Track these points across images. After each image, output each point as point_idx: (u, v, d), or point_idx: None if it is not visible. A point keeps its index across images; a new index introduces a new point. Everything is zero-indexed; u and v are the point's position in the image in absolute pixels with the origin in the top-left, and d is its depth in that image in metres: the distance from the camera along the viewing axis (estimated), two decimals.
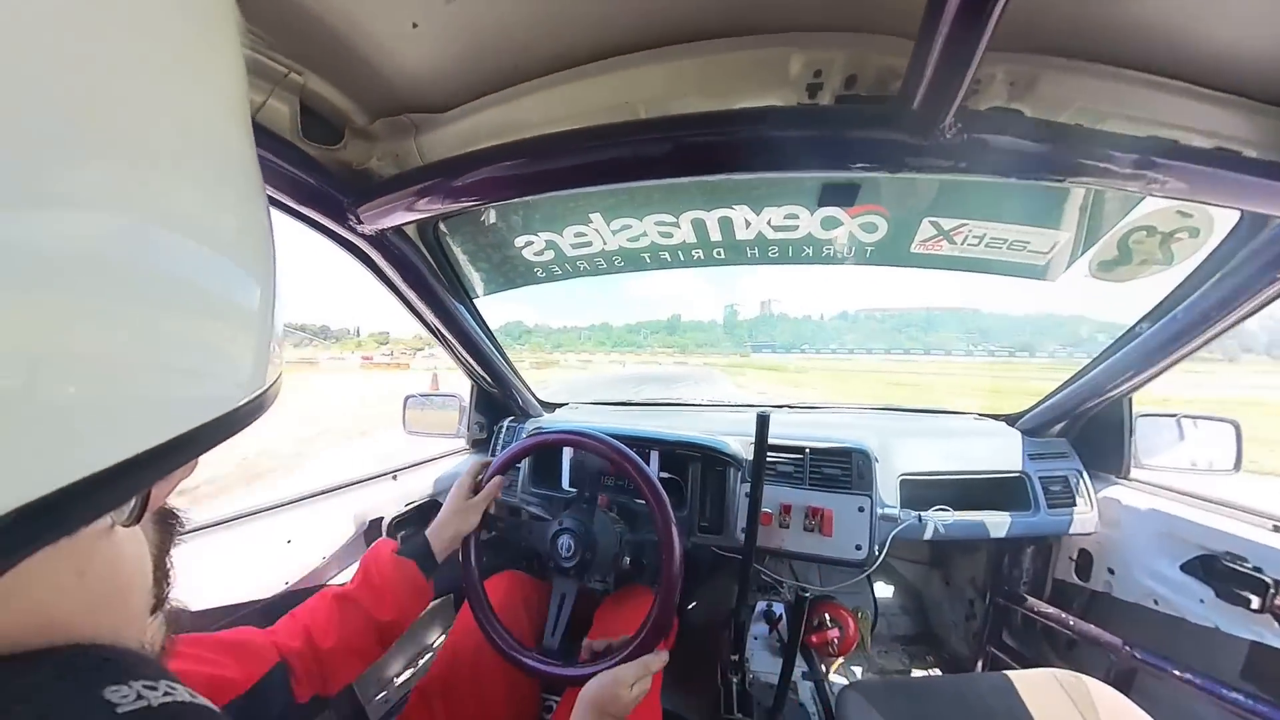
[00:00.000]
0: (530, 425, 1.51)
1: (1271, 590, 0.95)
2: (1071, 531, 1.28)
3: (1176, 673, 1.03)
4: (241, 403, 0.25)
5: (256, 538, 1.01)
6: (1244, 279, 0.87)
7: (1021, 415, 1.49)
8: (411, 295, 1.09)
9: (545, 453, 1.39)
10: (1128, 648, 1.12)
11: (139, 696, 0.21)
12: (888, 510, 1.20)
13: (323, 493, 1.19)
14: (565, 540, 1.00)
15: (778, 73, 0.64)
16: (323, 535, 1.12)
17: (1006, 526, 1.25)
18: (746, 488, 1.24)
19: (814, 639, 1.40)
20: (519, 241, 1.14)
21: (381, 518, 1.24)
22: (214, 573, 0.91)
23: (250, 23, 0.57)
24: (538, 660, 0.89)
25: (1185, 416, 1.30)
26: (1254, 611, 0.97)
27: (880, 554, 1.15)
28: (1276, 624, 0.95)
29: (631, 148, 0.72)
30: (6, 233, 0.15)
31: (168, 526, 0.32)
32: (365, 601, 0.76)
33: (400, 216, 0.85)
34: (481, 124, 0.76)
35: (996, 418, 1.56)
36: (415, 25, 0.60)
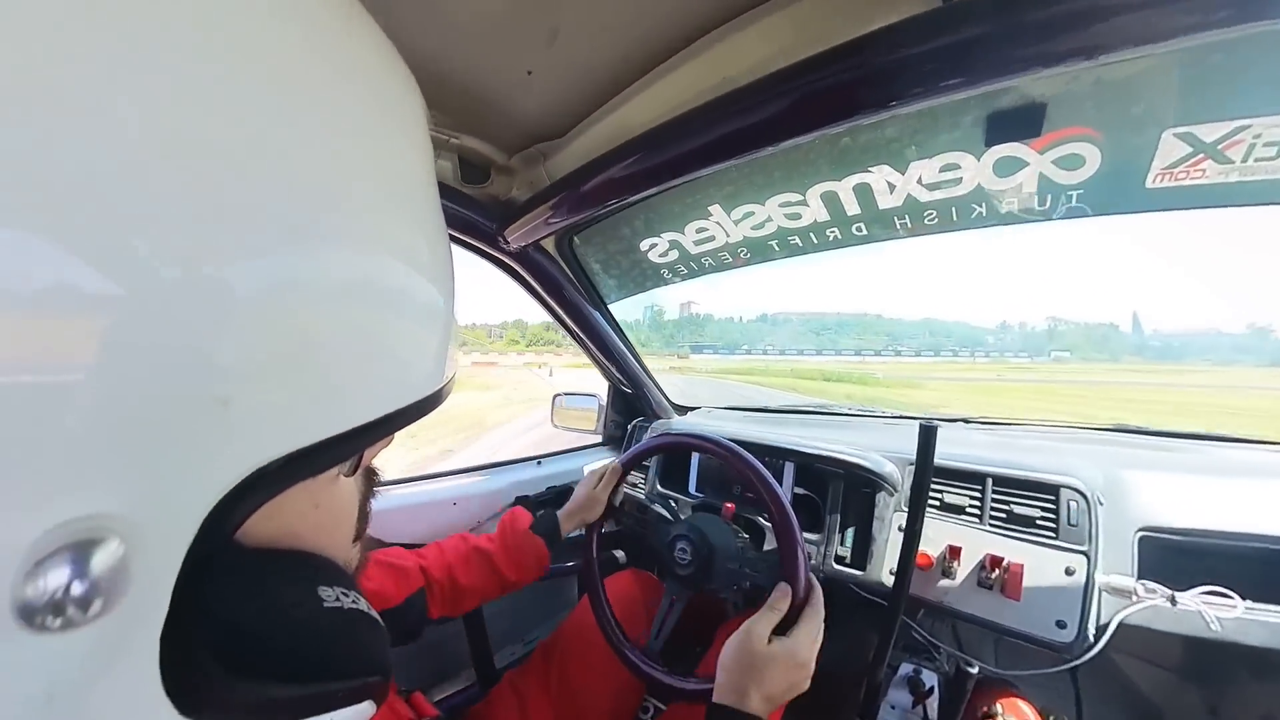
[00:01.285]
0: (659, 426, 1.52)
1: None
2: None
3: None
4: (432, 390, 0.34)
5: (433, 494, 1.25)
6: None
7: None
8: (555, 305, 1.22)
9: (674, 455, 1.38)
10: None
11: (337, 599, 0.29)
12: (1116, 580, 0.86)
13: (483, 468, 1.40)
14: (682, 546, 0.96)
15: None
16: (479, 503, 1.31)
17: None
18: (901, 518, 1.03)
19: None
20: (644, 245, 1.15)
21: (527, 495, 1.39)
22: (402, 516, 1.17)
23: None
24: (637, 656, 0.88)
25: None
26: None
27: (1098, 642, 0.83)
28: None
29: (741, 116, 0.65)
30: (303, 263, 0.24)
31: (370, 481, 0.40)
32: (498, 558, 0.90)
33: (537, 232, 0.97)
34: (597, 136, 0.84)
35: None
36: (530, 72, 0.72)
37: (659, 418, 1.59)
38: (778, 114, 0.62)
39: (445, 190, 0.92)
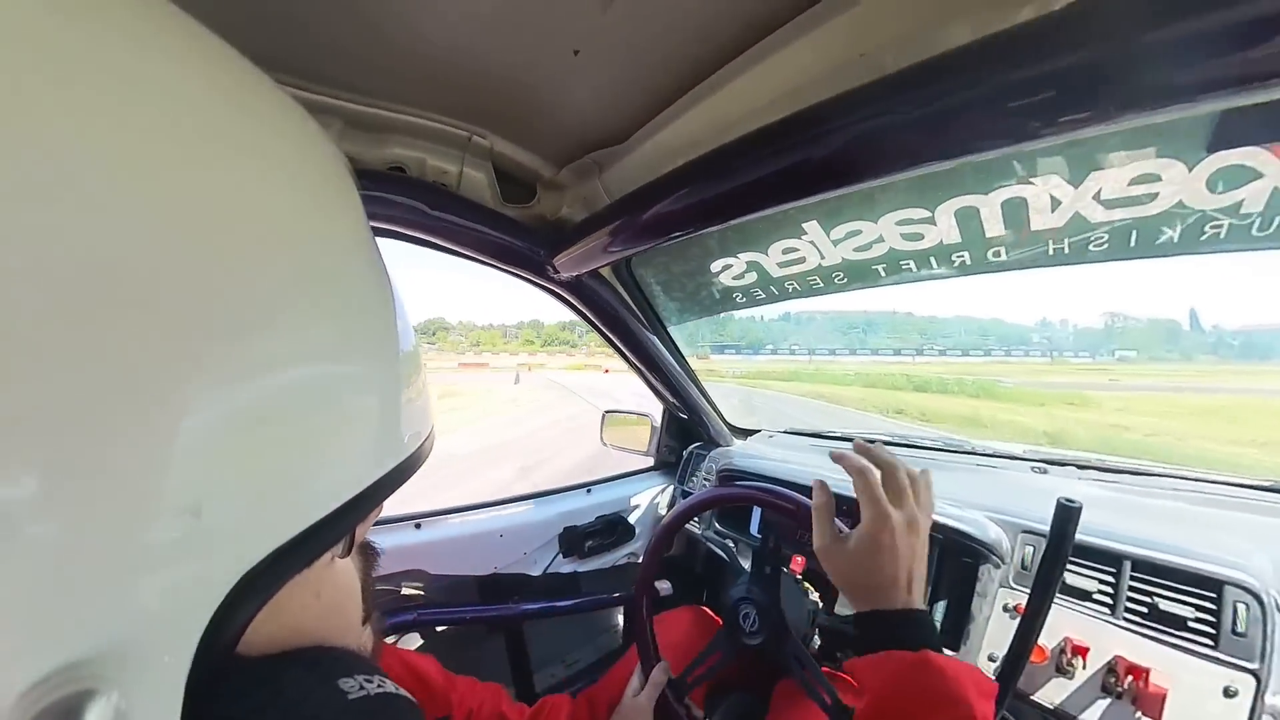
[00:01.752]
0: (718, 456, 1.41)
1: None
2: None
3: None
4: (412, 452, 0.34)
5: (480, 526, 1.20)
6: None
7: None
8: (607, 330, 1.11)
9: None
10: None
11: (360, 687, 0.28)
12: None
13: (532, 497, 1.34)
14: (749, 613, 0.87)
15: None
16: (527, 534, 1.27)
17: None
18: (1011, 598, 0.89)
19: None
20: (715, 266, 1.03)
21: (575, 525, 1.33)
22: (448, 549, 1.12)
23: (425, 91, 0.60)
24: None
25: None
26: None
27: None
28: None
29: (838, 136, 0.51)
30: (259, 383, 0.24)
31: (368, 556, 0.39)
32: None
33: (592, 260, 0.84)
34: (662, 146, 0.69)
35: None
36: (577, 52, 0.56)
37: (716, 444, 1.48)
38: (916, 122, 0.46)
39: (483, 213, 0.78)
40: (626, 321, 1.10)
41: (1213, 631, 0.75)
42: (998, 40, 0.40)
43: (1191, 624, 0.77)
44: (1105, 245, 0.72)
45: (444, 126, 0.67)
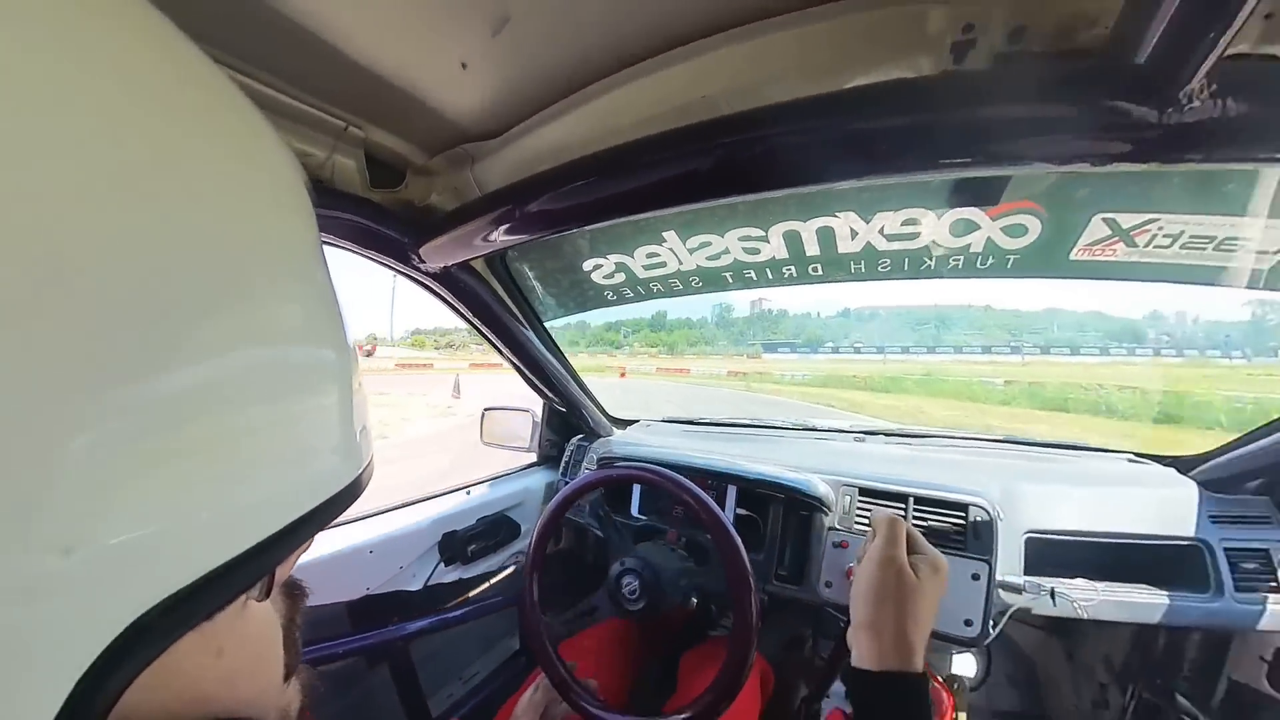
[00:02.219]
0: (599, 446, 1.47)
1: None
2: (1266, 626, 0.99)
3: None
4: (345, 484, 0.29)
5: (344, 544, 1.08)
6: None
7: (1201, 461, 1.18)
8: (480, 323, 1.08)
9: None
10: None
11: None
12: (1009, 579, 1.00)
13: (403, 506, 1.25)
14: (629, 581, 0.95)
15: (908, 34, 0.48)
16: (402, 546, 1.18)
17: (1173, 612, 1.00)
18: (835, 536, 1.10)
19: None
20: (587, 265, 1.08)
21: (455, 530, 1.28)
22: (310, 576, 0.98)
23: (306, 80, 0.56)
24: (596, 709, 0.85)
25: None
26: None
27: (994, 631, 0.97)
28: None
29: (715, 154, 0.58)
30: (155, 388, 0.19)
31: (294, 597, 0.34)
32: None
33: (459, 254, 0.82)
34: (539, 144, 0.71)
35: (1163, 461, 1.26)
36: (465, 65, 0.57)
37: (598, 435, 1.54)
38: (766, 154, 0.55)
39: (349, 199, 0.74)
40: (501, 316, 1.08)
41: (962, 539, 1.03)
42: (853, 93, 0.52)
43: (951, 536, 1.04)
44: (889, 267, 0.95)
45: (320, 113, 0.64)
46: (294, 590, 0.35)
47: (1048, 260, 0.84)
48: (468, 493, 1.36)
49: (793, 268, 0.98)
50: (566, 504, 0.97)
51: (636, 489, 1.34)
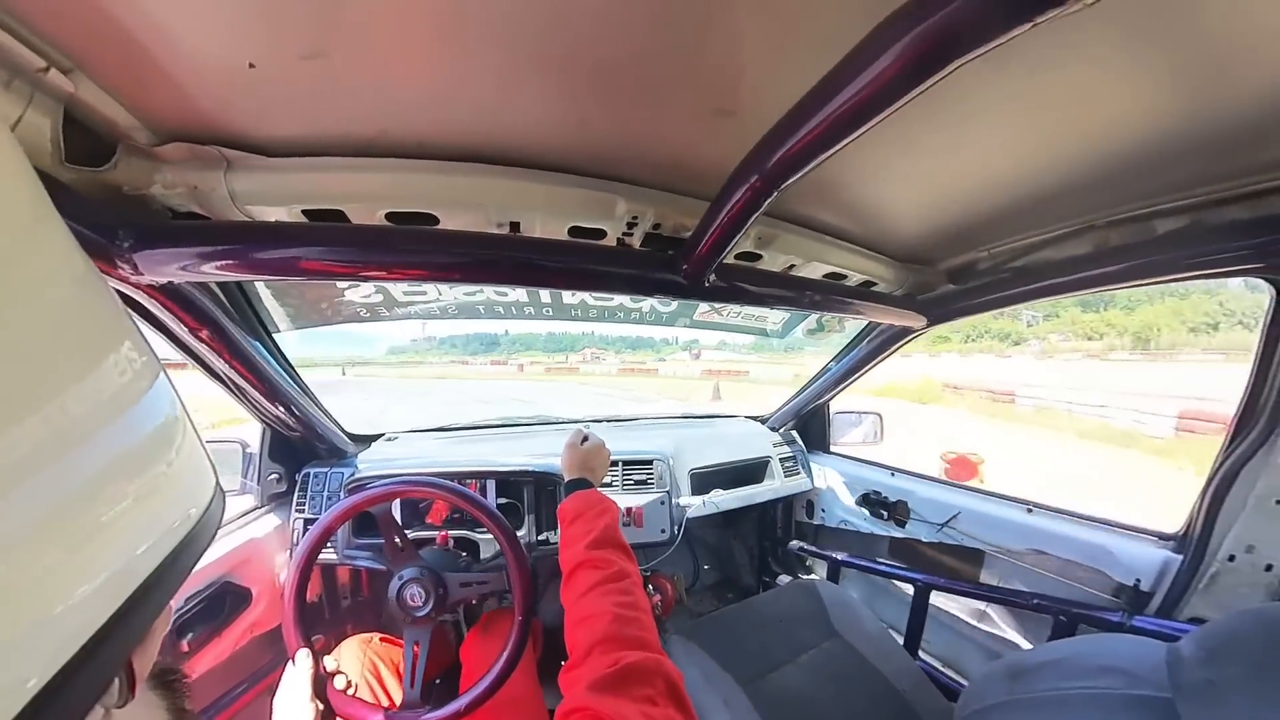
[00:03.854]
0: (343, 469, 1.38)
1: (895, 507, 1.59)
2: (800, 490, 1.86)
3: (859, 562, 1.61)
4: (188, 531, 0.25)
5: None
6: (869, 351, 1.59)
7: (770, 416, 2.04)
8: (192, 339, 0.92)
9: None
10: (835, 555, 1.68)
11: None
12: (683, 499, 1.52)
13: None
14: (414, 590, 0.99)
15: (607, 209, 0.81)
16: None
17: (762, 494, 1.73)
18: None
19: None
20: (342, 284, 1.10)
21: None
22: None
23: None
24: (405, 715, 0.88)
25: (856, 411, 1.98)
26: (886, 520, 1.61)
27: (679, 533, 1.46)
28: (896, 526, 1.59)
29: (471, 254, 0.79)
30: None
31: (170, 685, 0.29)
32: None
33: (193, 274, 0.71)
34: (316, 188, 0.71)
35: (756, 419, 2.10)
36: (252, 65, 0.51)
37: (339, 457, 1.44)
38: (509, 266, 0.82)
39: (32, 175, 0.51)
40: (224, 328, 0.94)
41: (653, 480, 1.50)
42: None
43: (647, 481, 1.50)
44: (597, 315, 1.46)
45: (20, 47, 0.46)
46: (168, 676, 0.29)
47: (683, 318, 1.59)
48: None
49: (531, 309, 1.34)
50: (311, 554, 0.94)
51: (396, 504, 1.36)
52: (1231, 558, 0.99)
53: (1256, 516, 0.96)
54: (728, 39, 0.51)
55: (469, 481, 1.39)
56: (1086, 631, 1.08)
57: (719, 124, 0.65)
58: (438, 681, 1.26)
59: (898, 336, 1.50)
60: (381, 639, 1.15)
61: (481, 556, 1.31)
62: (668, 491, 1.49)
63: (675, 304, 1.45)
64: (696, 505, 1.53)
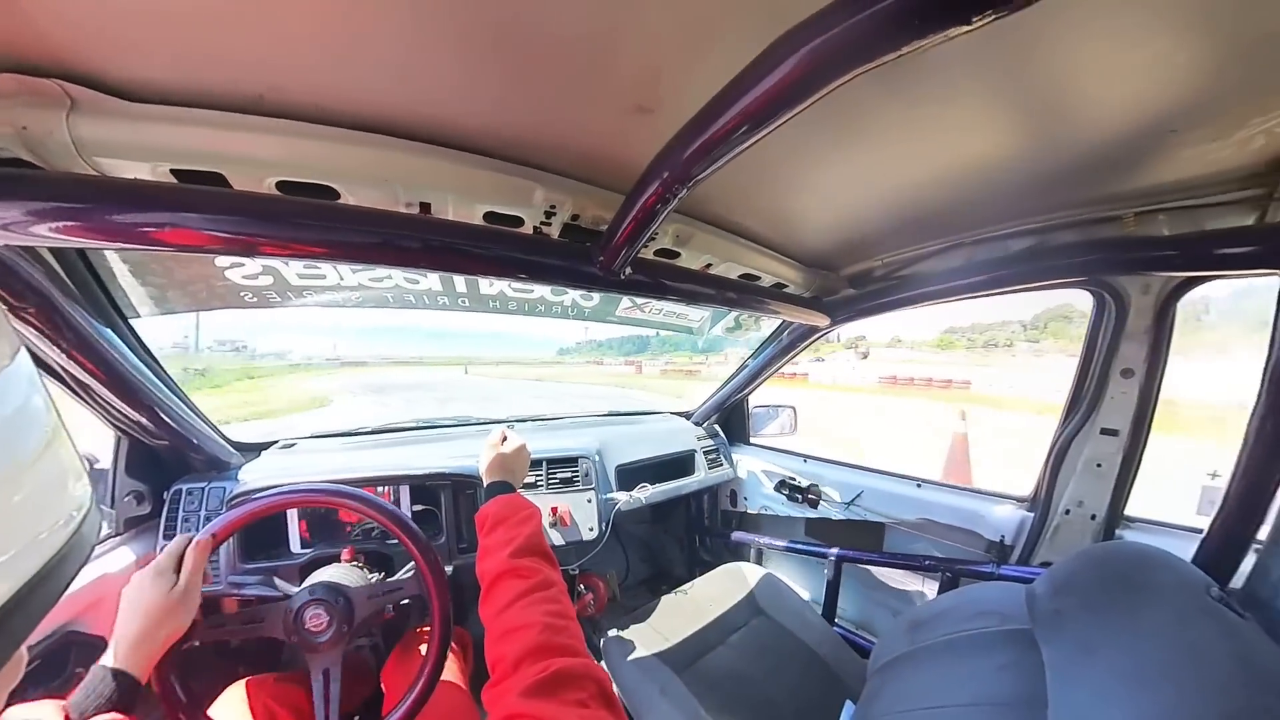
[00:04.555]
0: (232, 485, 1.19)
1: (807, 491, 1.72)
2: (724, 480, 1.94)
3: (780, 543, 1.71)
4: (42, 566, 0.22)
5: None
6: (780, 349, 1.69)
7: (694, 412, 2.11)
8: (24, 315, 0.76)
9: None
10: (758, 539, 1.77)
11: None
12: (610, 495, 1.51)
13: None
14: (315, 612, 0.87)
15: (524, 197, 0.79)
16: None
17: (689, 485, 1.77)
18: None
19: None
20: (222, 261, 0.95)
21: None
22: None
23: None
24: None
25: (773, 405, 2.11)
26: (801, 503, 1.73)
27: (609, 529, 1.45)
28: (810, 507, 1.71)
29: (378, 233, 0.71)
30: None
31: None
32: None
33: (17, 235, 0.57)
34: (197, 141, 0.61)
35: (681, 415, 2.15)
36: None
37: (217, 470, 1.25)
38: (418, 248, 0.73)
39: None
40: (61, 309, 0.78)
41: (578, 479, 1.47)
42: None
43: (573, 479, 1.47)
44: (516, 308, 1.40)
45: None
46: None
47: (604, 313, 1.55)
48: None
49: (445, 299, 1.23)
50: (221, 537, 0.82)
51: (293, 522, 1.21)
52: (1068, 511, 1.21)
53: (1084, 477, 1.19)
54: (647, 37, 0.52)
55: (382, 490, 1.28)
56: (967, 583, 1.23)
57: (639, 121, 0.67)
58: (356, 718, 1.13)
59: (806, 334, 1.62)
60: (278, 680, 1.01)
61: (397, 574, 1.21)
62: (595, 489, 1.47)
63: (597, 298, 1.43)
64: (625, 500, 1.53)
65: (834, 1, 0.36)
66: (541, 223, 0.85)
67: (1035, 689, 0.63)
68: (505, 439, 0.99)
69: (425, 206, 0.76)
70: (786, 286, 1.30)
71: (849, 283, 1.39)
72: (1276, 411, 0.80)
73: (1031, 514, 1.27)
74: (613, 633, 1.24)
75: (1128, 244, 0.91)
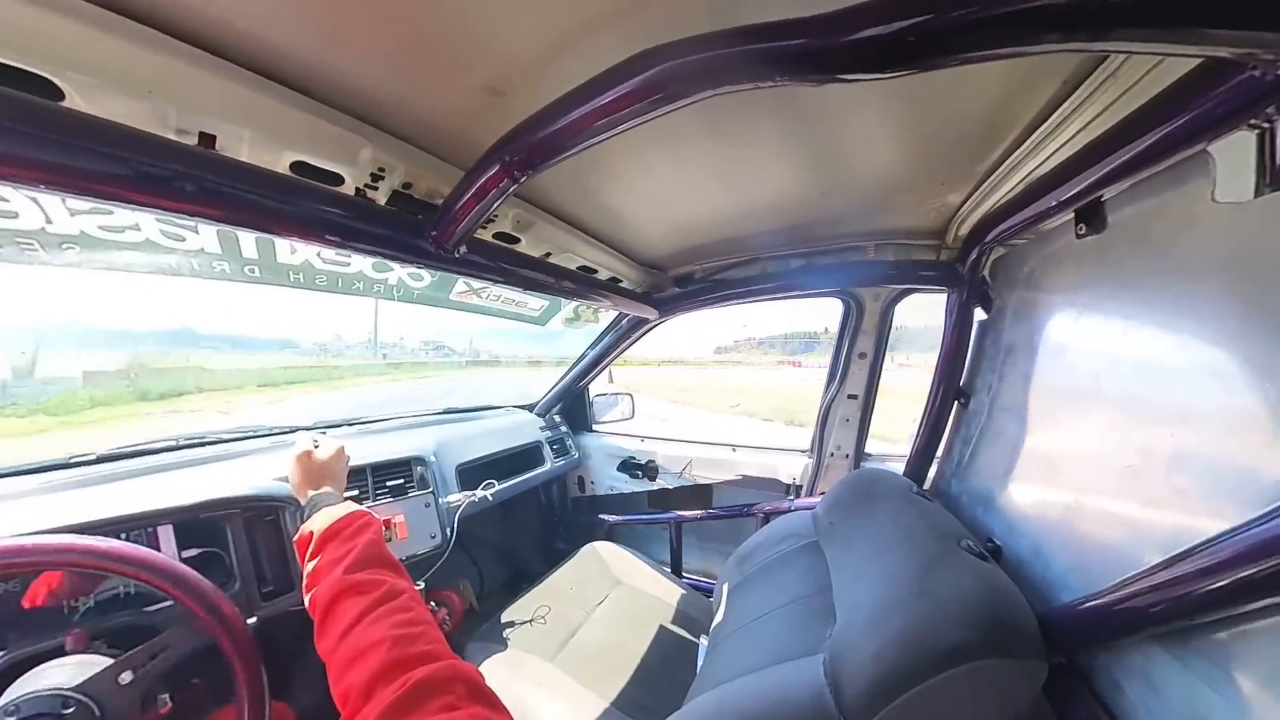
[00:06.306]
0: None
1: (646, 467, 1.87)
2: (571, 467, 2.00)
3: (628, 517, 1.84)
4: None
5: None
6: (617, 338, 1.81)
7: (537, 404, 2.09)
8: None
9: None
10: (608, 516, 1.87)
11: None
12: (453, 497, 1.41)
13: None
14: None
15: (348, 153, 0.68)
16: None
17: (537, 477, 1.77)
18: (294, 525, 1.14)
19: None
20: None
21: None
22: None
23: None
24: None
25: (613, 393, 2.22)
26: (641, 478, 1.88)
27: (453, 535, 1.36)
28: (649, 481, 1.88)
29: (127, 160, 0.56)
30: None
31: None
32: None
33: None
34: None
35: (524, 408, 2.11)
36: None
37: None
38: (205, 192, 0.61)
39: None
40: None
41: (412, 483, 1.35)
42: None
43: (405, 485, 1.33)
44: (325, 283, 1.14)
45: None
46: None
47: (437, 297, 1.41)
48: None
49: (226, 264, 0.92)
50: None
51: None
52: (832, 454, 1.60)
53: (839, 429, 1.59)
54: (508, 24, 0.52)
55: (126, 537, 0.94)
56: (774, 518, 1.52)
57: (488, 100, 0.65)
58: None
59: (638, 325, 1.77)
60: None
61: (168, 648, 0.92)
62: (433, 492, 1.36)
63: (429, 278, 1.30)
64: (469, 501, 1.44)
65: (695, 36, 0.43)
66: (366, 184, 0.75)
67: (824, 580, 0.83)
68: (317, 444, 0.86)
69: (208, 139, 0.59)
70: (621, 281, 1.42)
71: (675, 282, 1.59)
72: (945, 379, 1.19)
73: (811, 459, 1.64)
74: (475, 643, 1.18)
75: (868, 266, 1.30)
